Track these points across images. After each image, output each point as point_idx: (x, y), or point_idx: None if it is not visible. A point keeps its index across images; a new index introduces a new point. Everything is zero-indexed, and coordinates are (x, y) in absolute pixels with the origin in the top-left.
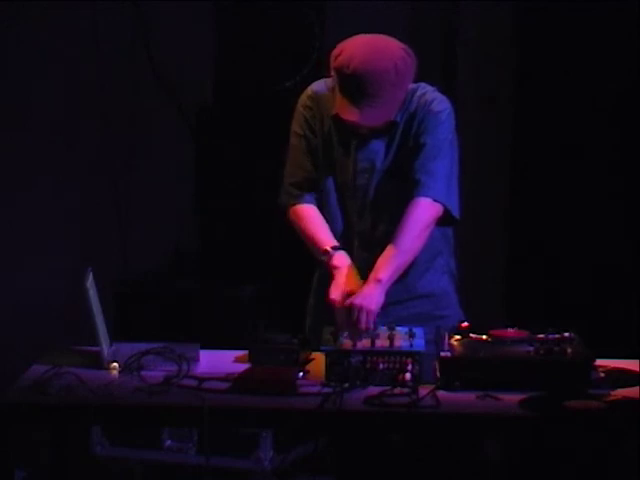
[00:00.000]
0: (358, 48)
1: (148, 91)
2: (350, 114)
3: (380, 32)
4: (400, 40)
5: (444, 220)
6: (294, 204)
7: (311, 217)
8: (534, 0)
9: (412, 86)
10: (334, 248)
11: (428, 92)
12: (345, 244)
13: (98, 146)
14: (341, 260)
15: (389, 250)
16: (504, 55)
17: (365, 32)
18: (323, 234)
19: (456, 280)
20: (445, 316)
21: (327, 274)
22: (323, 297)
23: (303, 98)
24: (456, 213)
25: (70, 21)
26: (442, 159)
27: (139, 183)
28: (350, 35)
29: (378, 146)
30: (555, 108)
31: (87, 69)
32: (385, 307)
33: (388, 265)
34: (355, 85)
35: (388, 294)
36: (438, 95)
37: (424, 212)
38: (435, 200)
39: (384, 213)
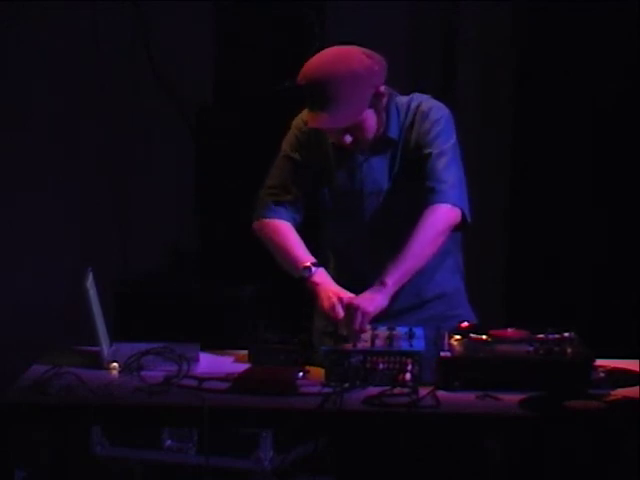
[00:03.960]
0: (311, 61)
1: (148, 91)
2: (313, 121)
3: (380, 32)
4: (400, 40)
5: (456, 226)
6: (269, 218)
7: (287, 233)
8: (534, 0)
9: (404, 98)
10: (314, 264)
11: (423, 102)
12: (352, 269)
13: (98, 146)
14: (322, 277)
15: (399, 254)
16: (504, 55)
17: (365, 32)
18: (301, 250)
19: (464, 277)
20: (458, 315)
21: (336, 274)
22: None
23: (299, 122)
24: (469, 218)
25: (70, 21)
26: (451, 165)
27: (139, 183)
28: (350, 35)
29: (381, 165)
30: (555, 108)
31: (87, 69)
32: (397, 314)
33: (395, 269)
34: (310, 93)
35: (399, 301)
36: (434, 103)
37: (440, 218)
38: (454, 205)
39: (398, 233)
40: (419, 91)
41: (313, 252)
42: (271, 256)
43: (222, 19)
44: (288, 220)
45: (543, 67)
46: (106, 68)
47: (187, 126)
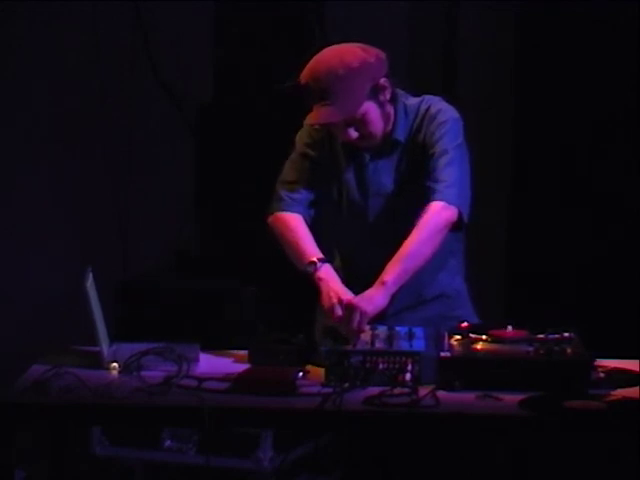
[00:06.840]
0: (310, 61)
1: (148, 91)
2: (311, 118)
3: (380, 32)
4: (400, 40)
5: (453, 225)
6: (283, 211)
7: (297, 227)
8: (534, 0)
9: (415, 100)
10: (320, 260)
11: (432, 104)
12: (356, 267)
13: (98, 146)
14: (327, 272)
15: (398, 253)
16: (504, 55)
17: (365, 32)
18: (309, 245)
19: (468, 280)
20: (458, 316)
21: (341, 270)
22: None
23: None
24: (466, 218)
25: (70, 21)
26: (451, 164)
27: (139, 183)
28: (350, 35)
29: (387, 167)
30: (555, 108)
31: (87, 69)
32: (397, 313)
33: (395, 268)
34: (308, 90)
35: (399, 300)
36: (443, 105)
37: (435, 216)
38: (448, 203)
39: (402, 234)
40: (419, 91)
41: (321, 247)
42: (283, 251)
43: (222, 19)
44: (301, 213)
45: (543, 67)
46: (106, 68)
47: (187, 126)
